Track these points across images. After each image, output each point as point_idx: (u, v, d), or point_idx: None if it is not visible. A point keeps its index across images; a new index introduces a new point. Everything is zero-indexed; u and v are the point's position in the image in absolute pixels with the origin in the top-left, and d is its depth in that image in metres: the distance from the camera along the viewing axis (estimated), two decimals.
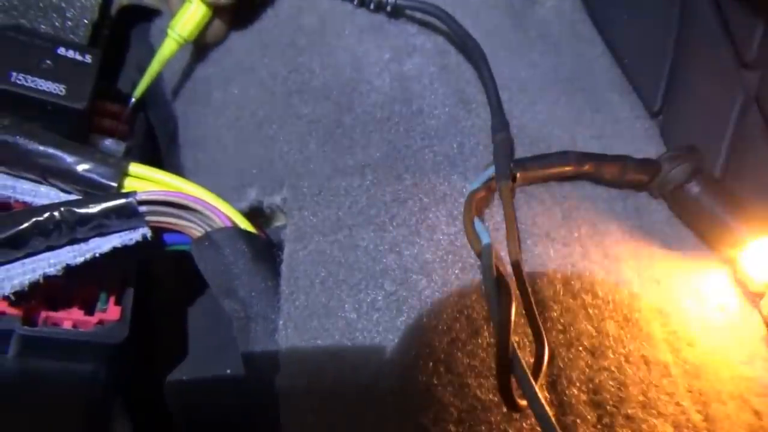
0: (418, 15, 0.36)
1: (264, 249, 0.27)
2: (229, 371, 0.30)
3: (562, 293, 0.28)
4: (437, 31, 0.36)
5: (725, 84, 0.36)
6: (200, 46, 0.36)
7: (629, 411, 0.25)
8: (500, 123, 0.31)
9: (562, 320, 0.27)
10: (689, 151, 0.35)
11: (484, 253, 0.24)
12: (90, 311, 0.28)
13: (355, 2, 0.35)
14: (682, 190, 0.34)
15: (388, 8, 0.35)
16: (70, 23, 0.38)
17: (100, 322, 0.28)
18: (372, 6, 0.35)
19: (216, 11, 0.33)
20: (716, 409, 0.27)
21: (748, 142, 0.35)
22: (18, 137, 0.25)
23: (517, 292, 0.25)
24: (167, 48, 0.33)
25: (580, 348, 0.26)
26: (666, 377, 0.27)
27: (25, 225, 0.24)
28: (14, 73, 0.29)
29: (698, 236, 0.35)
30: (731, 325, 0.31)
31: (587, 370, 0.26)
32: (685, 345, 0.29)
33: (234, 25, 0.36)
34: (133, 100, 0.33)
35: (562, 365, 0.25)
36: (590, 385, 0.25)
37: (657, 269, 0.32)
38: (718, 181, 0.34)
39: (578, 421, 0.24)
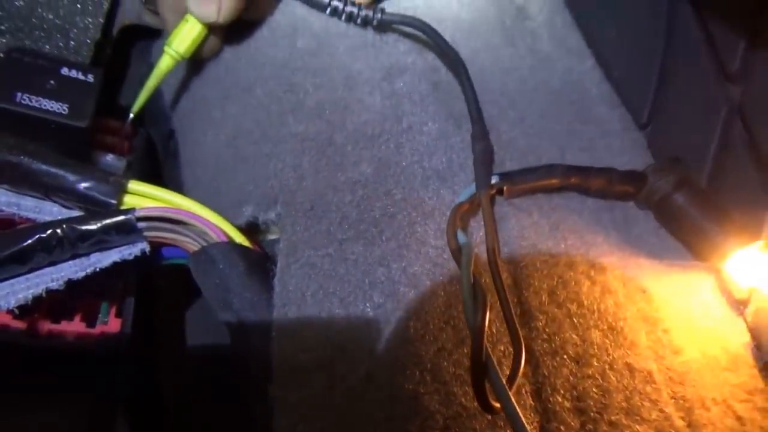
0: (405, 29, 0.37)
1: (258, 262, 0.28)
2: (225, 380, 0.30)
3: (547, 303, 0.29)
4: (428, 49, 0.37)
5: (710, 96, 0.37)
6: (196, 62, 0.37)
7: (612, 418, 0.26)
8: (480, 132, 0.32)
9: (547, 330, 0.28)
10: (675, 162, 0.36)
11: (463, 254, 0.25)
12: (91, 324, 0.29)
13: (343, 18, 0.36)
14: (668, 201, 0.35)
15: (375, 23, 0.36)
16: (73, 43, 0.39)
17: (102, 334, 0.29)
18: (359, 21, 0.36)
19: (211, 29, 0.34)
20: (700, 415, 0.28)
21: (732, 154, 0.36)
22: (22, 157, 0.26)
23: (497, 295, 0.26)
24: (164, 64, 0.34)
25: (565, 356, 0.27)
26: (650, 384, 0.28)
27: (29, 241, 0.25)
28: (19, 94, 0.31)
29: (684, 246, 0.35)
30: (716, 333, 0.32)
31: (571, 378, 0.26)
32: (669, 353, 0.30)
33: (232, 46, 0.37)
34: (132, 115, 0.34)
35: (546, 373, 0.26)
36: (574, 393, 0.26)
37: (643, 279, 0.33)
38: (703, 192, 0.35)
39: (562, 427, 0.25)
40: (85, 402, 0.29)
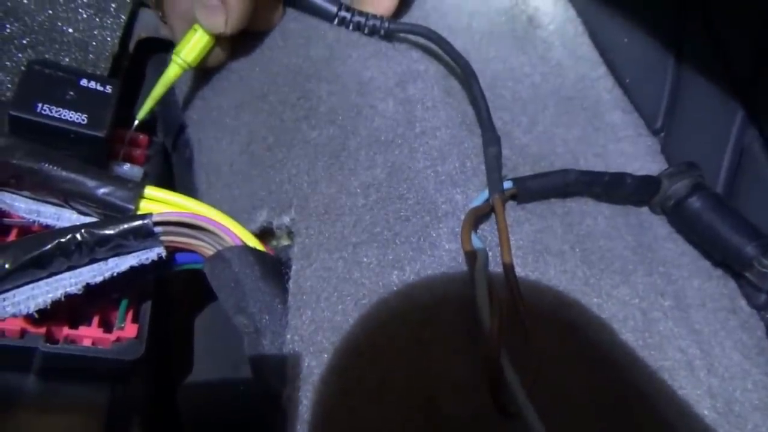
0: (412, 38, 0.37)
1: (273, 266, 0.28)
2: (239, 385, 0.30)
3: (561, 308, 0.28)
4: (440, 57, 0.38)
5: (724, 101, 0.37)
6: (209, 71, 0.38)
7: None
8: (491, 138, 0.32)
9: (556, 334, 0.27)
10: (690, 167, 0.36)
11: (479, 257, 0.25)
12: (108, 329, 0.29)
13: (350, 27, 0.37)
14: (684, 206, 0.35)
15: (382, 32, 0.37)
16: (92, 56, 0.40)
17: (118, 339, 0.29)
18: (366, 30, 0.37)
19: (218, 39, 0.35)
20: None
21: (747, 158, 0.36)
22: (43, 164, 0.27)
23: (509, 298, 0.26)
24: (171, 72, 0.35)
25: (577, 362, 0.27)
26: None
27: (49, 246, 0.25)
28: (40, 104, 0.31)
29: (700, 251, 0.35)
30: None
31: (588, 381, 0.26)
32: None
33: (245, 55, 0.38)
34: (137, 121, 0.35)
35: (558, 379, 0.25)
36: (592, 396, 0.26)
37: (658, 284, 0.32)
38: (719, 197, 0.35)
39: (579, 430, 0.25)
40: (100, 408, 0.29)
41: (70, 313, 0.28)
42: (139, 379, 0.30)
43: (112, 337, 0.29)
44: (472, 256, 0.26)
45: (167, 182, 0.38)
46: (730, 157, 0.37)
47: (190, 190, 0.36)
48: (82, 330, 0.28)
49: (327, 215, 0.28)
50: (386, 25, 0.36)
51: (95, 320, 0.29)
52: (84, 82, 0.33)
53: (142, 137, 0.37)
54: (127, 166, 0.35)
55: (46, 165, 0.27)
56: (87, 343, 0.28)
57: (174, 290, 0.37)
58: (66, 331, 0.28)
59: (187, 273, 0.31)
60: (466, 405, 0.23)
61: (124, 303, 0.29)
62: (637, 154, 0.39)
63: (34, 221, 0.29)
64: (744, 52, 0.35)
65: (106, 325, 0.29)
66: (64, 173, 0.27)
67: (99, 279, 0.27)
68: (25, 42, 0.38)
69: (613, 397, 0.26)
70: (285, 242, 0.32)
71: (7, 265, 0.25)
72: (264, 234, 0.32)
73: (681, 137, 0.40)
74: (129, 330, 0.29)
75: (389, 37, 0.37)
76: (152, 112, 0.36)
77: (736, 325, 0.32)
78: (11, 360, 0.28)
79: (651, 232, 0.35)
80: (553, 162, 0.36)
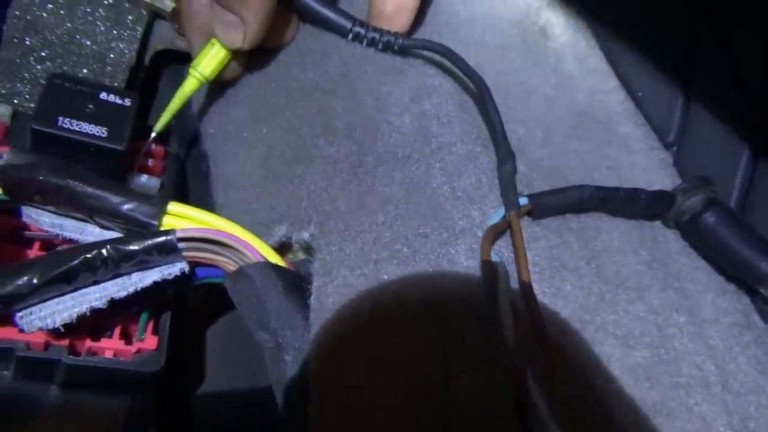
0: (426, 53, 0.37)
1: (294, 282, 0.28)
2: (253, 396, 0.31)
3: (576, 323, 0.29)
4: (453, 72, 0.38)
5: (736, 115, 0.37)
6: (227, 86, 0.38)
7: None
8: (506, 154, 0.32)
9: (574, 350, 0.28)
10: (704, 182, 0.36)
11: (500, 274, 0.25)
12: (128, 341, 0.29)
13: (365, 43, 0.37)
14: (698, 221, 0.35)
15: (396, 48, 0.37)
16: (109, 68, 0.40)
17: (139, 351, 0.29)
18: (380, 46, 0.37)
19: (235, 53, 0.35)
20: None
21: (761, 173, 0.36)
22: (68, 180, 0.27)
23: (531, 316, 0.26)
24: (188, 86, 0.35)
25: (595, 379, 0.27)
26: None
27: (76, 262, 0.26)
28: (61, 118, 0.32)
29: (713, 266, 0.35)
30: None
31: (599, 396, 0.26)
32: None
33: (262, 70, 0.38)
34: (154, 134, 0.35)
35: (573, 394, 0.26)
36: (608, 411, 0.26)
37: (673, 299, 0.33)
38: (733, 212, 0.35)
39: None
40: (119, 418, 0.29)
41: (92, 326, 0.29)
42: (157, 389, 0.31)
43: (133, 348, 0.29)
44: (493, 273, 0.26)
45: (182, 193, 0.39)
46: (743, 172, 0.37)
47: (206, 203, 0.37)
48: (104, 342, 0.29)
49: (347, 232, 0.29)
50: (400, 41, 0.37)
51: (116, 332, 0.29)
52: (103, 95, 0.34)
53: (159, 149, 0.37)
54: (144, 177, 0.35)
55: (71, 181, 0.28)
56: (109, 354, 0.29)
57: (190, 301, 0.38)
58: (88, 343, 0.29)
59: (207, 286, 0.31)
60: (486, 423, 0.24)
61: (144, 315, 0.30)
62: (649, 167, 0.40)
63: (57, 235, 0.29)
64: (758, 64, 0.35)
65: (126, 337, 0.30)
66: (89, 189, 0.28)
67: (123, 293, 0.27)
68: (43, 54, 0.39)
69: (630, 414, 0.26)
70: (302, 256, 0.32)
71: (34, 280, 0.25)
72: (281, 248, 0.32)
73: (694, 151, 0.40)
74: (149, 342, 0.30)
75: (403, 52, 0.37)
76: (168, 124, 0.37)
77: (750, 340, 0.32)
78: (35, 371, 0.28)
79: (665, 246, 0.36)
80: (566, 176, 0.37)
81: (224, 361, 0.37)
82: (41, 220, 0.29)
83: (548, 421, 0.21)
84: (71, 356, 0.28)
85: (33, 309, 0.26)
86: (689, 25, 0.40)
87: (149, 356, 0.29)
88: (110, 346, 0.29)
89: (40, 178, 0.27)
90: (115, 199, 0.28)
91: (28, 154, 0.28)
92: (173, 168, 0.38)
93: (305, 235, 0.30)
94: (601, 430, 0.25)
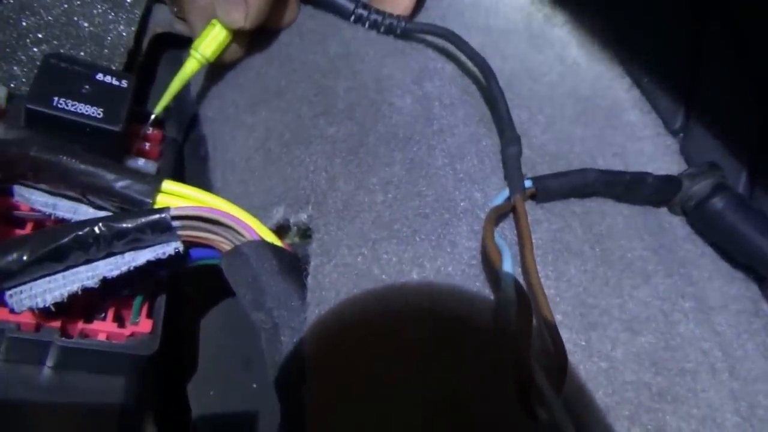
0: (428, 37, 0.37)
1: (290, 262, 0.27)
2: (250, 382, 0.30)
3: (580, 307, 0.28)
4: (456, 54, 0.37)
5: (744, 101, 0.36)
6: (226, 68, 0.38)
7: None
8: (511, 137, 0.32)
9: (580, 335, 0.27)
10: (711, 167, 0.35)
11: (505, 256, 0.25)
12: (123, 324, 0.29)
13: (366, 25, 0.36)
14: (705, 207, 0.34)
15: (398, 31, 0.36)
16: (106, 51, 0.40)
17: (133, 335, 0.29)
18: (382, 29, 0.36)
19: (236, 34, 0.35)
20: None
21: None
22: (61, 157, 0.27)
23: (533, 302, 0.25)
24: (189, 67, 0.35)
25: (600, 363, 0.26)
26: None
27: (66, 239, 0.25)
28: (56, 98, 0.31)
29: (719, 253, 0.35)
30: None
31: (607, 384, 0.26)
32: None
33: (263, 52, 0.37)
34: (153, 116, 0.35)
35: (580, 378, 0.25)
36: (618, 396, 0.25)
37: (679, 285, 0.32)
38: (741, 197, 0.35)
39: None
40: (114, 402, 0.29)
41: (84, 308, 0.28)
42: (152, 374, 0.30)
43: (127, 332, 0.29)
44: (496, 255, 0.25)
45: (180, 177, 0.38)
46: (750, 159, 0.36)
47: (205, 187, 0.36)
48: (97, 324, 0.28)
49: (346, 211, 0.28)
50: (402, 24, 0.36)
51: (110, 315, 0.29)
52: (100, 76, 0.33)
53: (156, 132, 0.37)
54: (141, 161, 0.35)
55: (64, 158, 0.27)
56: (102, 337, 0.28)
57: (186, 286, 0.37)
58: (81, 325, 0.28)
59: (199, 269, 0.30)
60: (490, 405, 0.23)
61: (139, 298, 0.29)
62: (656, 154, 0.39)
63: (50, 214, 0.29)
64: (765, 50, 0.35)
65: (120, 320, 0.29)
66: (82, 166, 0.27)
67: (115, 273, 0.26)
68: (40, 36, 0.38)
69: (635, 399, 0.26)
70: (300, 239, 0.32)
71: (24, 258, 0.24)
72: (279, 230, 0.32)
73: (701, 138, 0.39)
74: (144, 325, 0.29)
75: (406, 36, 0.37)
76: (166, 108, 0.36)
77: (758, 327, 0.31)
78: (26, 353, 0.27)
79: (670, 232, 0.35)
80: (571, 161, 0.36)
81: (223, 346, 0.36)
82: (34, 199, 0.28)
83: (556, 404, 0.20)
84: (63, 338, 0.27)
85: (23, 287, 0.25)
86: (697, 10, 0.40)
87: (143, 340, 0.29)
88: (103, 329, 0.28)
89: (32, 154, 0.27)
90: (108, 176, 0.27)
91: (19, 130, 0.28)
92: (170, 152, 0.37)
93: (303, 217, 0.29)
94: (605, 415, 0.25)
